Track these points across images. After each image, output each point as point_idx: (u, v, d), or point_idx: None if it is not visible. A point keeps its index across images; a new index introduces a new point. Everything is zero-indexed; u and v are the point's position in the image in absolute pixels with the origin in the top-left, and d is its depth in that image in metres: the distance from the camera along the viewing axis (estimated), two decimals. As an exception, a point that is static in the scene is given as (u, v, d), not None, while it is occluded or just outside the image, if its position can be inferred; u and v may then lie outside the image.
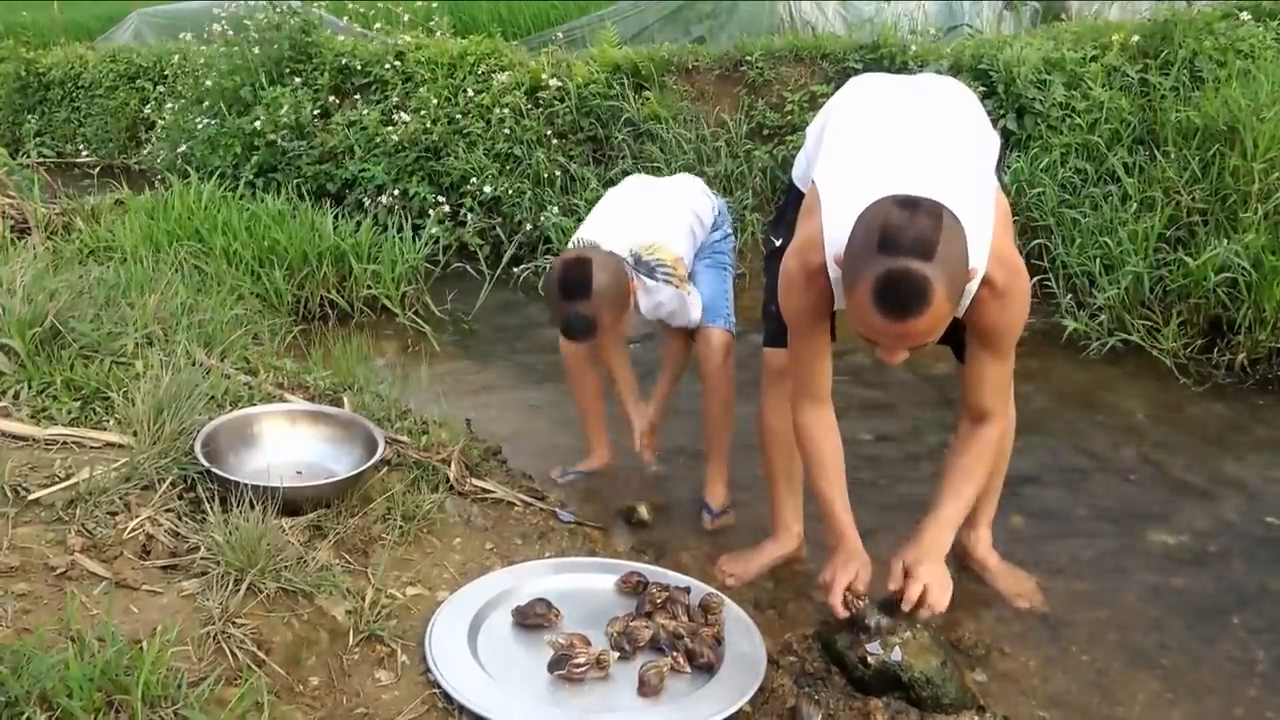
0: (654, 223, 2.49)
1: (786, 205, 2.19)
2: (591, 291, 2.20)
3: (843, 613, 1.78)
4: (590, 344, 2.54)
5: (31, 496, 1.79)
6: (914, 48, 4.51)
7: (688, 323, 2.52)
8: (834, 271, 1.71)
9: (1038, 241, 3.87)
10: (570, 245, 2.50)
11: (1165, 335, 3.41)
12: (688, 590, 1.95)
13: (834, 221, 1.70)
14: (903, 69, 4.38)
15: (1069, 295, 3.72)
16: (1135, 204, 3.71)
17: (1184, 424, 3.10)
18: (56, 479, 1.85)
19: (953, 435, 2.00)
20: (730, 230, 2.70)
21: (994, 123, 2.00)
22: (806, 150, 2.06)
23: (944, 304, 1.51)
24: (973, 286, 1.67)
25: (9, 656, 1.31)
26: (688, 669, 1.75)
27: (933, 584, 1.77)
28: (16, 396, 2.18)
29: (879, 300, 1.50)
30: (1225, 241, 3.41)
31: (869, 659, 1.77)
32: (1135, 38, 4.11)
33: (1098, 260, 3.69)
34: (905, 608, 1.77)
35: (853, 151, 1.82)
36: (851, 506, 1.92)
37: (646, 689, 1.68)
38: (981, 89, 4.06)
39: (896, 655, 1.76)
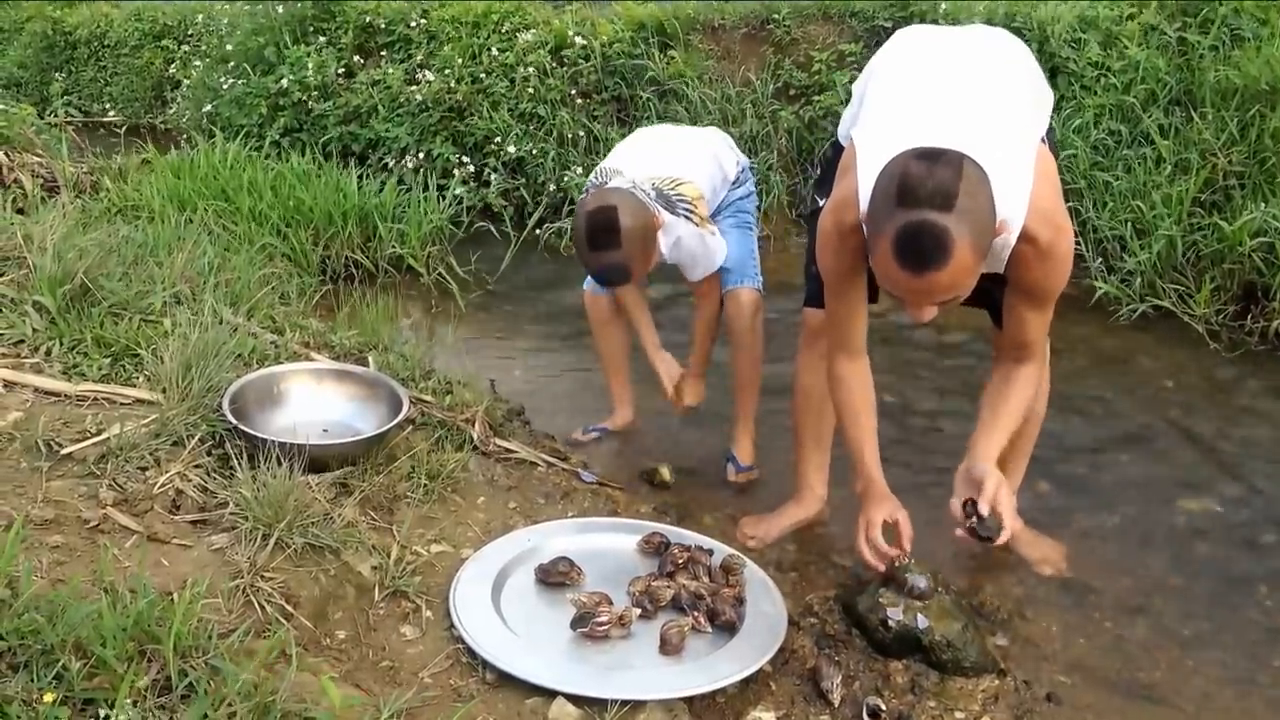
0: (678, 158, 2.44)
1: (830, 165, 2.16)
2: (620, 239, 2.15)
3: (874, 562, 1.81)
4: (616, 292, 2.53)
5: (64, 451, 1.82)
6: (945, 5, 4.41)
7: (709, 268, 2.45)
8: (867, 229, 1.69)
9: (1069, 204, 3.80)
10: (593, 176, 2.46)
11: (1197, 301, 3.36)
12: (709, 551, 1.96)
13: (869, 178, 1.66)
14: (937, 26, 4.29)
15: (1099, 259, 3.66)
16: (1170, 166, 3.64)
17: (1214, 391, 3.06)
18: (88, 434, 1.88)
19: (988, 381, 1.99)
20: (754, 189, 2.66)
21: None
22: (853, 108, 2.03)
23: (967, 256, 1.48)
24: (1010, 239, 1.65)
25: (45, 606, 1.33)
26: (709, 629, 1.76)
27: (1003, 497, 1.76)
28: (48, 353, 2.21)
29: (899, 254, 1.49)
30: (1263, 205, 3.34)
31: (890, 622, 1.78)
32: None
33: (1129, 224, 3.63)
34: (984, 509, 1.75)
35: (890, 108, 1.79)
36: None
37: (668, 647, 1.70)
38: (1014, 48, 3.97)
39: (921, 622, 1.76)
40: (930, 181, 1.46)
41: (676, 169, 2.40)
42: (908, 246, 1.48)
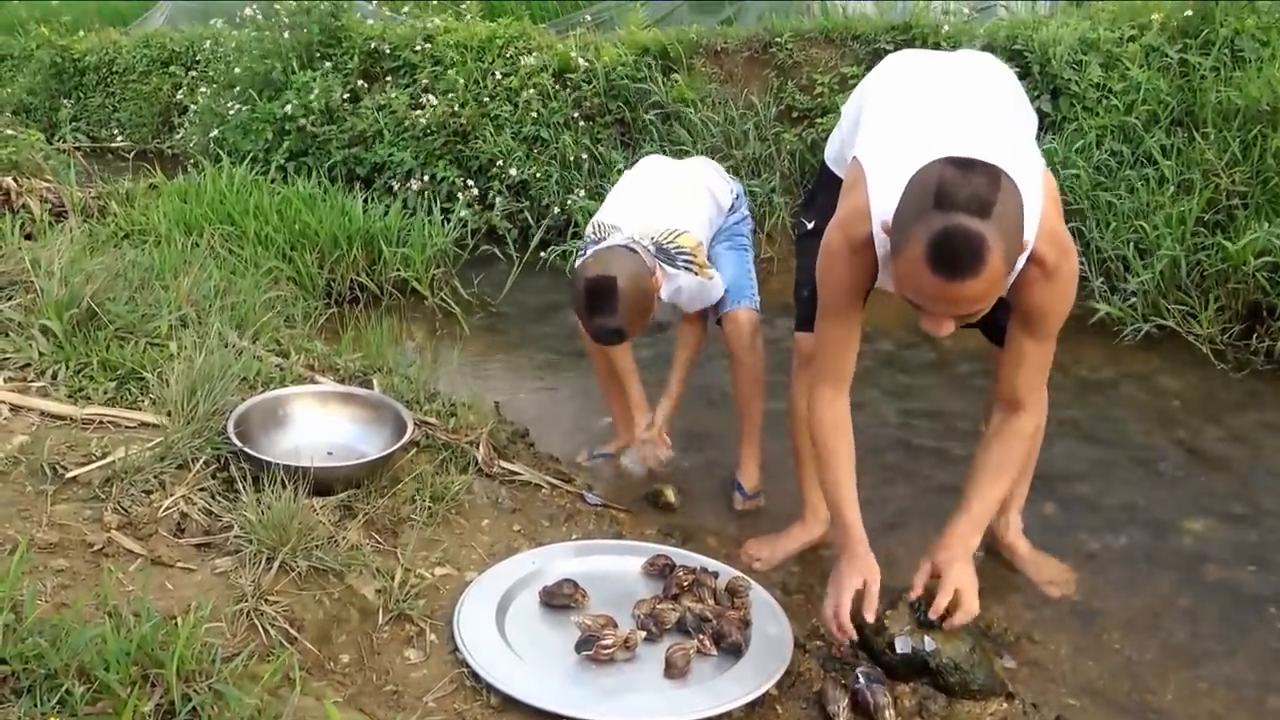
0: (673, 208, 2.48)
1: (818, 187, 2.17)
2: (618, 304, 2.22)
3: (838, 636, 1.78)
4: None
5: (69, 474, 1.83)
6: (947, 28, 4.44)
7: (707, 303, 2.50)
8: (880, 242, 1.67)
9: (1071, 225, 3.81)
10: (590, 230, 2.50)
11: (1201, 320, 3.35)
12: (715, 573, 1.96)
13: (880, 191, 1.66)
14: (935, 50, 4.31)
15: (1102, 279, 3.66)
16: (1172, 187, 3.64)
17: (1220, 410, 3.04)
18: (93, 457, 1.88)
19: (984, 425, 1.98)
20: (747, 213, 2.70)
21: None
22: (841, 130, 2.04)
23: (999, 268, 1.45)
24: (1020, 261, 1.64)
25: (48, 630, 1.33)
26: (714, 651, 1.75)
27: (965, 587, 1.74)
28: (54, 376, 2.21)
29: (932, 259, 1.44)
30: (1266, 225, 3.34)
31: (897, 644, 1.77)
32: (1176, 18, 4.02)
33: (1132, 244, 3.63)
34: (934, 616, 1.75)
35: (895, 124, 1.78)
36: (881, 493, 1.91)
37: (673, 670, 1.69)
38: (1016, 69, 3.98)
39: (928, 644, 1.75)
40: (968, 187, 1.43)
41: (673, 219, 2.44)
42: (943, 251, 1.43)
